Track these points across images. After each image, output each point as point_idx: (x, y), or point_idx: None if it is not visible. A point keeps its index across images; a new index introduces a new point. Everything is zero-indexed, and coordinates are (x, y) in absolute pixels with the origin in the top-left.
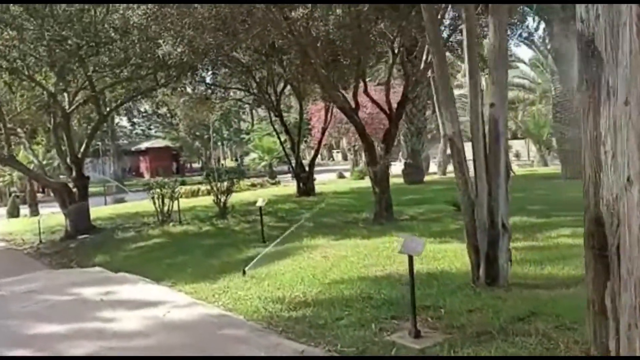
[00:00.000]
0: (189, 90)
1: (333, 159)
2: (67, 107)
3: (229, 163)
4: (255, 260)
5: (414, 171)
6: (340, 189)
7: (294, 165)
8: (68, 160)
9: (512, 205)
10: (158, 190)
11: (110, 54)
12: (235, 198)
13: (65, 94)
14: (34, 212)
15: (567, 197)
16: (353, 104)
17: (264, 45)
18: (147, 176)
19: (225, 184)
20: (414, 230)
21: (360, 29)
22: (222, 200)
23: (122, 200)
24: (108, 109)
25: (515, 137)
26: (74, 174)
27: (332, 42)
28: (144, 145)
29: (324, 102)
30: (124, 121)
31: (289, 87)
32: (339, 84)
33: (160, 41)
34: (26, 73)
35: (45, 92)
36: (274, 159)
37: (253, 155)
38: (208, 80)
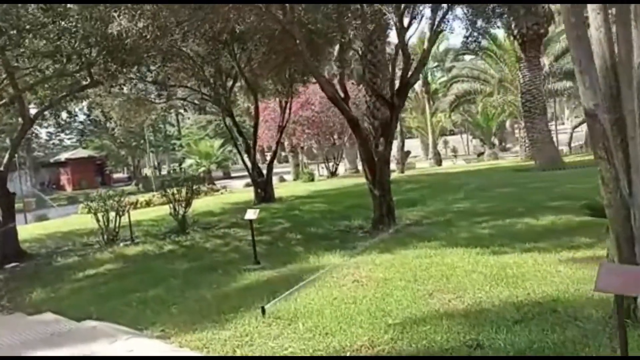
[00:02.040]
0: (125, 90)
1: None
2: None
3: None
4: (281, 296)
5: None
6: (300, 193)
7: (250, 169)
8: None
9: None
10: (101, 203)
11: (39, 42)
12: None
13: None
14: None
15: None
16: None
17: (223, 33)
18: (69, 189)
19: (184, 193)
20: (437, 238)
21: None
22: (181, 212)
23: (45, 218)
24: (35, 112)
25: (452, 133)
26: None
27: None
28: (64, 156)
29: (280, 98)
30: (39, 130)
31: (238, 84)
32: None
33: (115, 14)
34: None
35: None
36: (212, 164)
37: (189, 161)
38: (150, 77)
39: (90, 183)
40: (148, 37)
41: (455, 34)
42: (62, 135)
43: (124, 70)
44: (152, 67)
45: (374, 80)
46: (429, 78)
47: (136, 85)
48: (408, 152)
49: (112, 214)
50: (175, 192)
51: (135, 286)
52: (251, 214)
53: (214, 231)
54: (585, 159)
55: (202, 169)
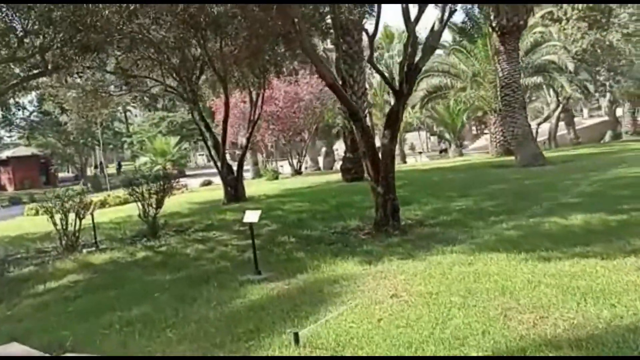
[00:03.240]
0: (80, 80)
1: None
2: None
3: (111, 170)
4: (322, 320)
5: (353, 167)
6: (271, 192)
7: (219, 166)
8: None
9: None
10: (58, 203)
11: None
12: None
13: None
14: None
15: None
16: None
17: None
18: (10, 189)
19: (154, 192)
20: (460, 241)
21: None
22: (152, 213)
23: None
24: None
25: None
26: None
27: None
28: (5, 154)
29: (255, 90)
30: None
31: (204, 76)
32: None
33: None
34: None
35: None
36: (168, 162)
37: (143, 159)
38: (110, 66)
39: (34, 182)
40: (120, 15)
41: (424, 27)
42: (2, 132)
43: (85, 56)
44: (113, 55)
45: (349, 72)
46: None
47: (94, 75)
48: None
49: (71, 216)
50: (146, 191)
51: (113, 303)
52: (252, 216)
53: (191, 235)
54: (563, 154)
55: (158, 167)
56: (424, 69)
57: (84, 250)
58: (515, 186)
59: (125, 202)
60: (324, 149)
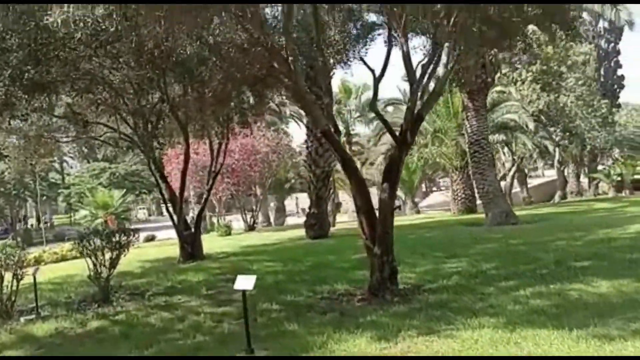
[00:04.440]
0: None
1: (162, 215)
2: None
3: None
4: None
5: (318, 223)
6: (229, 249)
7: (175, 221)
8: None
9: None
10: None
11: None
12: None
13: None
14: None
15: None
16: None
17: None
18: None
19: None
20: (481, 311)
21: None
22: (104, 274)
23: None
24: None
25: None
26: None
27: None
28: None
29: (217, 140)
30: None
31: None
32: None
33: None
34: None
35: None
36: (109, 215)
37: (83, 212)
38: (59, 109)
39: None
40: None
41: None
42: None
43: (35, 95)
44: (67, 95)
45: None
46: (350, 129)
47: (41, 119)
48: (339, 204)
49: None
50: (99, 247)
51: None
52: (245, 282)
53: (151, 299)
54: (528, 213)
55: (98, 220)
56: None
57: (22, 319)
58: (502, 246)
59: (63, 259)
60: (273, 204)
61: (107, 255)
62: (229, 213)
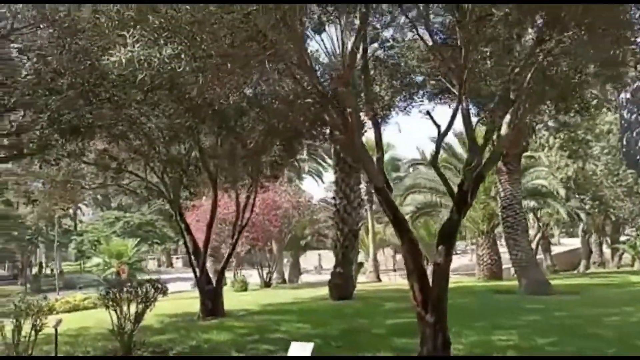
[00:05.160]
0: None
1: (172, 266)
2: None
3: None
4: None
5: (343, 283)
6: (249, 307)
7: (198, 275)
8: None
9: None
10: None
11: None
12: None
13: None
14: None
15: None
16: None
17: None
18: None
19: (134, 306)
20: None
21: None
22: (128, 329)
23: None
24: None
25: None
26: None
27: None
28: None
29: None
30: None
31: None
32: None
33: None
34: None
35: None
36: (122, 264)
37: (96, 260)
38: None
39: None
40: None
41: (401, 144)
42: None
43: (71, 140)
44: (102, 141)
45: (346, 181)
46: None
47: (70, 165)
48: (361, 264)
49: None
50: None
51: None
52: (300, 350)
53: None
54: (559, 283)
55: (111, 270)
56: (409, 184)
57: None
58: (549, 319)
59: (76, 309)
60: (286, 260)
61: (132, 309)
62: (240, 268)
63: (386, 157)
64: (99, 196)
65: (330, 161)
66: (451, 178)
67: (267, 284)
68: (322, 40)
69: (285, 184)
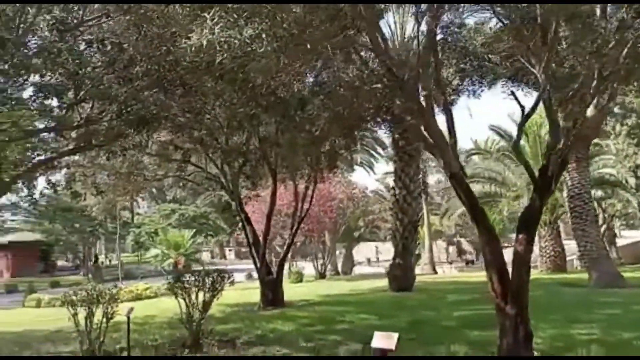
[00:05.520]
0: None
1: (225, 258)
2: None
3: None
4: None
5: (403, 275)
6: (308, 297)
7: (258, 265)
8: None
9: None
10: (83, 295)
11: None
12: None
13: None
14: None
15: None
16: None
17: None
18: (6, 275)
19: (202, 295)
20: None
21: None
22: (197, 317)
23: None
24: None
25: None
26: None
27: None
28: (7, 238)
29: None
30: None
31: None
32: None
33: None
34: None
35: None
36: (180, 256)
37: (154, 251)
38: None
39: (31, 270)
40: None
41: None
42: (7, 215)
43: (136, 130)
44: (165, 131)
45: (406, 171)
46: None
47: (134, 157)
48: (419, 255)
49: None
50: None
51: None
52: (384, 341)
53: (245, 349)
54: (637, 276)
55: (169, 260)
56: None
57: None
58: (630, 313)
59: (138, 298)
60: (338, 252)
61: (198, 298)
62: (294, 259)
63: None
64: (154, 189)
65: (381, 152)
66: (510, 167)
67: (321, 276)
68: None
69: (340, 175)
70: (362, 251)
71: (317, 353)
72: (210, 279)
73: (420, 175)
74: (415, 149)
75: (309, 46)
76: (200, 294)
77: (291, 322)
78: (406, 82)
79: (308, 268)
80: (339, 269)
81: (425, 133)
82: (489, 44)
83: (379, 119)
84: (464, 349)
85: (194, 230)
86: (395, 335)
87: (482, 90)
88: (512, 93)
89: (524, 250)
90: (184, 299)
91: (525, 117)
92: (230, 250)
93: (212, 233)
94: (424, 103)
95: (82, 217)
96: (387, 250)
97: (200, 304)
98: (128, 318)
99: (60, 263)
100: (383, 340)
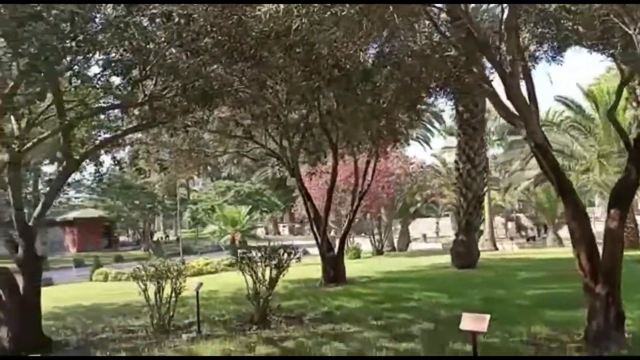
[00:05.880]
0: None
1: (280, 234)
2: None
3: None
4: None
5: (466, 251)
6: (372, 274)
7: (319, 241)
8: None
9: None
10: (152, 269)
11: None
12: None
13: (14, 122)
14: None
15: None
16: None
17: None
18: (72, 250)
19: (268, 271)
20: None
21: None
22: (263, 294)
23: (49, 282)
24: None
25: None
26: (20, 252)
27: None
28: (72, 215)
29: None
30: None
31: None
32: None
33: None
34: None
35: None
36: (237, 232)
37: (212, 227)
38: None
39: (95, 245)
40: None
41: None
42: (71, 192)
43: (200, 106)
44: (228, 106)
45: (470, 144)
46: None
47: (195, 133)
48: (480, 232)
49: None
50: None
51: None
52: (474, 323)
53: (313, 326)
54: None
55: (226, 236)
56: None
57: (184, 336)
58: None
59: (199, 273)
60: (395, 228)
61: (267, 274)
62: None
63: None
64: (209, 167)
65: (437, 125)
66: (578, 138)
67: (378, 252)
68: None
69: (397, 150)
70: (417, 227)
71: (390, 332)
72: (277, 254)
73: (485, 149)
74: (479, 122)
75: (390, 7)
76: (267, 270)
77: (357, 299)
78: (489, 47)
79: (364, 244)
80: (395, 245)
81: (507, 102)
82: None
83: (447, 89)
84: (545, 330)
85: (250, 206)
86: (487, 316)
87: (562, 56)
88: (612, 55)
89: (617, 227)
90: (251, 275)
91: (623, 83)
92: (284, 226)
93: (266, 209)
94: (508, 68)
95: (143, 194)
96: (444, 227)
97: (267, 280)
98: (197, 293)
99: (122, 239)
100: (473, 322)
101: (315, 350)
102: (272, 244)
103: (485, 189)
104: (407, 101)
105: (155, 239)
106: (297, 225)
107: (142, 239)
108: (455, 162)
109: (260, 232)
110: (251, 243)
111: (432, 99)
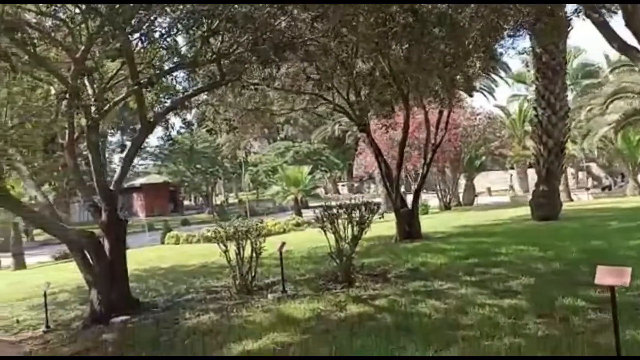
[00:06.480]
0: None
1: (339, 193)
2: (94, 109)
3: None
4: None
5: (548, 202)
6: (447, 229)
7: (393, 197)
8: (97, 194)
9: None
10: (231, 230)
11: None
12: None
13: (88, 86)
14: (19, 264)
15: None
16: None
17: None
18: (141, 215)
19: (351, 228)
20: None
21: None
22: (348, 252)
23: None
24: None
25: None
26: (104, 217)
27: None
28: (139, 181)
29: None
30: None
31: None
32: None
33: None
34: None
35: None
36: (300, 192)
37: (275, 188)
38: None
39: (162, 210)
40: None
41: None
42: (135, 160)
43: (270, 60)
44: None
45: (550, 89)
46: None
47: (261, 91)
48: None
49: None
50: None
51: None
52: (611, 277)
53: (402, 283)
54: None
55: (289, 197)
56: (611, 90)
57: (269, 296)
58: None
59: (268, 234)
60: (462, 182)
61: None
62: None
63: (575, 62)
64: (266, 129)
65: (503, 74)
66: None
67: (446, 207)
68: None
69: (464, 101)
70: (480, 181)
71: (488, 288)
72: (357, 212)
73: (566, 93)
74: (559, 64)
75: None
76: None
77: (440, 254)
78: None
79: (429, 200)
80: (461, 200)
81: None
82: None
83: (536, 26)
84: None
85: (311, 166)
86: (628, 269)
87: None
88: None
89: None
90: (334, 233)
91: None
92: (343, 185)
93: (326, 169)
94: None
95: (204, 158)
96: (504, 180)
97: (349, 238)
98: (280, 253)
99: (185, 203)
100: (612, 276)
101: (411, 309)
102: (334, 202)
103: (568, 135)
104: (484, 45)
105: (217, 202)
106: (356, 184)
107: (205, 202)
108: (534, 108)
109: (319, 191)
110: (313, 203)
111: (511, 41)
